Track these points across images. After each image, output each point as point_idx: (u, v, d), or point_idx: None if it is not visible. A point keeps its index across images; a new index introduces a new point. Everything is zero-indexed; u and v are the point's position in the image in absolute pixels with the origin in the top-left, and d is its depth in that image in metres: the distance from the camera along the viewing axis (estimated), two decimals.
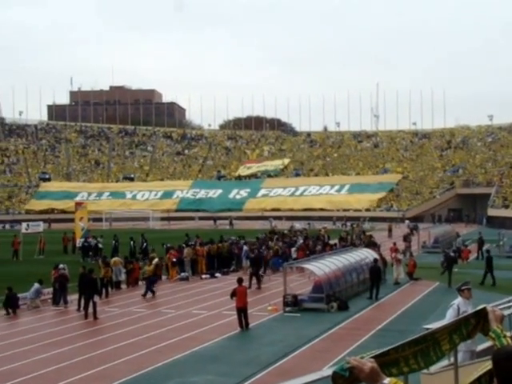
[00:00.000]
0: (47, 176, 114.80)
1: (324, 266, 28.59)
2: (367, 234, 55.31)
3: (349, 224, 73.00)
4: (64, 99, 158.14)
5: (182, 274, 36.83)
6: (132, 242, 45.85)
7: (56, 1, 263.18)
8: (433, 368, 10.55)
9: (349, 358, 3.46)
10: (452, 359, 8.84)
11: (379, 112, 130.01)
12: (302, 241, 46.79)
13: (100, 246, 46.48)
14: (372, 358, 3.51)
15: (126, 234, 50.07)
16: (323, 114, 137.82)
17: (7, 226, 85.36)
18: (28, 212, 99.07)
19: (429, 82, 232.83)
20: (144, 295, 30.23)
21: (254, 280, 33.14)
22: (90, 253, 46.00)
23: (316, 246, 45.21)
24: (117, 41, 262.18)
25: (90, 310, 25.24)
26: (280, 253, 41.55)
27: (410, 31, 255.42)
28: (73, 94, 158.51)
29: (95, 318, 25.04)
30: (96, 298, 25.82)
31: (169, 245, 41.67)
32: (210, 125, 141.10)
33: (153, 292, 30.62)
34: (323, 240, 48.45)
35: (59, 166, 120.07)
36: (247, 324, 22.73)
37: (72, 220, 57.81)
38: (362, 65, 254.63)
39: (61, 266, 29.72)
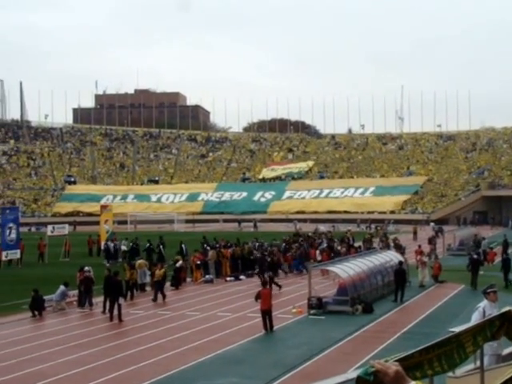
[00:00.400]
0: (72, 179, 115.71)
1: (349, 269, 28.49)
2: (392, 236, 55.07)
3: (373, 226, 72.72)
4: (89, 102, 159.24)
5: (207, 276, 36.86)
6: (149, 245, 46.21)
7: (81, 5, 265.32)
8: (458, 371, 10.49)
9: (373, 362, 3.43)
10: (478, 363, 8.78)
11: (404, 114, 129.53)
12: (326, 243, 46.68)
13: (124, 248, 46.77)
14: (396, 360, 3.48)
15: (150, 237, 50.23)
16: (348, 116, 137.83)
17: (33, 229, 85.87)
18: (54, 215, 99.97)
19: (454, 84, 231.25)
20: (154, 299, 29.86)
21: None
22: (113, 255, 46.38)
23: (341, 248, 45.10)
24: (142, 44, 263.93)
25: (115, 312, 25.36)
26: (297, 255, 41.32)
27: (434, 32, 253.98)
28: (98, 97, 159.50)
29: (120, 320, 25.16)
30: (121, 301, 25.94)
31: (183, 245, 43.11)
32: (230, 127, 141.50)
33: (163, 295, 30.29)
34: (348, 242, 48.30)
35: (84, 169, 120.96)
36: (272, 326, 22.71)
37: (97, 223, 58.14)
38: (386, 67, 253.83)
39: (86, 268, 29.86)
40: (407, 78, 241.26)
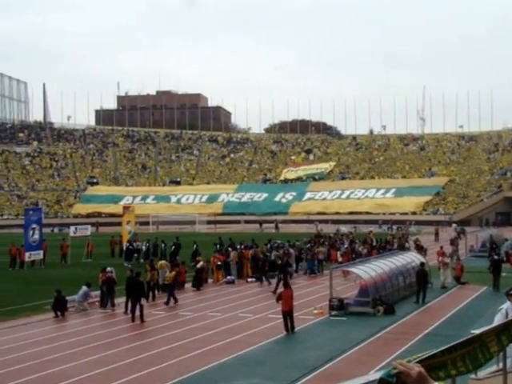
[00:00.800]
0: (95, 180, 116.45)
1: (370, 270, 28.42)
2: (414, 237, 54.85)
3: (395, 227, 72.46)
4: (111, 104, 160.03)
5: (228, 277, 36.91)
6: (163, 245, 46.46)
7: (104, 7, 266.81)
8: (481, 373, 10.44)
9: (395, 363, 3.42)
10: (501, 365, 8.74)
11: (425, 115, 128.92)
12: (347, 245, 46.59)
13: (144, 248, 47.13)
14: (419, 361, 3.46)
15: (171, 238, 50.44)
16: (369, 117, 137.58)
17: (56, 230, 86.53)
18: (76, 216, 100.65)
19: (476, 84, 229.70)
20: (166, 303, 29.39)
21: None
22: (135, 255, 46.62)
23: (363, 249, 45.01)
24: (163, 46, 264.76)
25: (137, 313, 25.47)
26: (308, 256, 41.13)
27: (456, 33, 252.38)
28: (120, 98, 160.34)
29: (142, 320, 25.27)
30: (143, 301, 26.06)
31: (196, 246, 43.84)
32: (250, 128, 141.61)
33: (175, 299, 29.84)
34: (371, 243, 48.16)
35: (107, 170, 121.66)
36: (293, 327, 22.71)
37: (119, 223, 58.40)
38: (407, 67, 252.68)
39: (108, 269, 30.02)
40: (429, 78, 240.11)
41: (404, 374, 3.36)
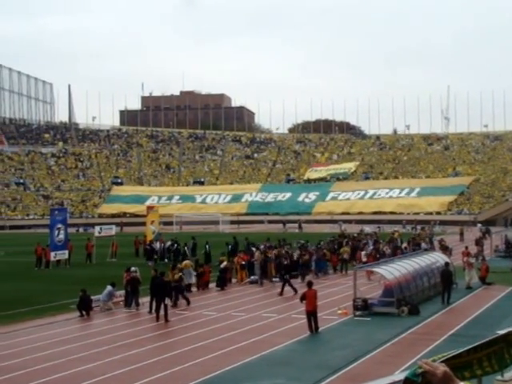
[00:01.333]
0: (119, 180, 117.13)
1: (394, 270, 28.27)
2: (439, 238, 54.53)
3: (419, 227, 72.11)
4: (135, 104, 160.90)
5: (252, 277, 36.91)
6: (176, 245, 46.76)
7: (127, 8, 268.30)
8: (507, 375, 10.36)
9: (420, 362, 3.40)
10: None
11: (450, 114, 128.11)
12: (372, 245, 46.41)
13: (158, 247, 47.50)
14: (444, 360, 3.44)
15: (196, 238, 50.64)
16: (393, 116, 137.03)
17: (81, 230, 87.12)
18: (100, 216, 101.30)
19: (501, 83, 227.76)
20: (174, 305, 28.68)
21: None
22: (155, 256, 46.84)
23: (387, 249, 44.82)
24: (187, 46, 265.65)
25: (162, 312, 25.58)
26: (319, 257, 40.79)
27: (481, 32, 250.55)
28: (144, 99, 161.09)
29: (166, 320, 25.37)
30: (167, 301, 26.16)
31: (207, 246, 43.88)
32: (277, 128, 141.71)
33: (187, 300, 29.36)
34: (396, 244, 47.89)
35: (131, 171, 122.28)
36: (317, 328, 22.67)
37: (143, 223, 58.65)
38: (431, 66, 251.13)
39: (133, 268, 30.17)
40: (453, 77, 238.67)
41: (429, 373, 3.34)
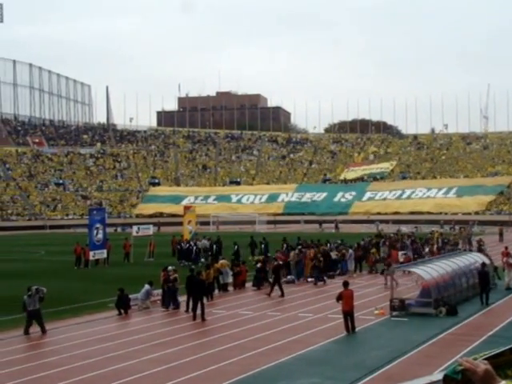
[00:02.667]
0: (156, 181, 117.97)
1: (432, 270, 28.04)
2: (477, 238, 53.95)
3: (457, 227, 71.39)
4: (172, 105, 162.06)
5: (288, 276, 36.89)
6: (194, 246, 47.06)
7: (163, 10, 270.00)
8: None
9: (461, 360, 3.30)
10: None
11: (489, 113, 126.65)
12: (409, 245, 46.09)
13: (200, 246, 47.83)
14: (485, 359, 3.32)
15: (232, 238, 50.83)
16: (430, 115, 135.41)
17: (119, 229, 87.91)
18: (137, 216, 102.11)
19: None
20: (175, 307, 28.12)
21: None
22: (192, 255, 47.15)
23: (424, 249, 44.50)
24: (223, 47, 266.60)
25: (198, 311, 25.70)
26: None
27: None
28: (181, 100, 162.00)
29: (203, 319, 25.48)
30: (204, 300, 26.28)
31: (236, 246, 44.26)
32: (315, 127, 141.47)
33: (177, 304, 28.37)
34: (436, 244, 47.51)
35: (168, 171, 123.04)
36: (354, 328, 22.59)
37: (180, 223, 58.95)
38: (470, 65, 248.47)
39: (170, 268, 30.38)
40: (492, 75, 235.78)
41: (470, 371, 3.24)
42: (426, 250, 43.82)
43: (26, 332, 23.14)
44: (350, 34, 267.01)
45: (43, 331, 23.26)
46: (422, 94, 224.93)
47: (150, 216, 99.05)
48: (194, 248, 46.92)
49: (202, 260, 44.84)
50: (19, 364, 19.08)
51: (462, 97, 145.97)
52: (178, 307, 28.33)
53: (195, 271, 27.85)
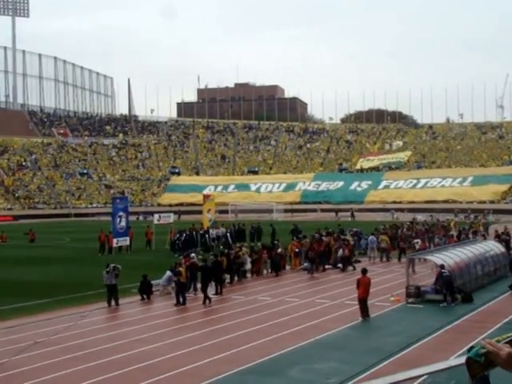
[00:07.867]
0: (177, 170, 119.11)
1: (447, 258, 28.41)
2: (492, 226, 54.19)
3: (472, 216, 71.56)
4: (192, 97, 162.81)
5: (305, 264, 37.36)
6: (205, 235, 47.92)
7: (184, 4, 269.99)
8: None
9: (484, 342, 3.28)
10: None
11: (505, 102, 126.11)
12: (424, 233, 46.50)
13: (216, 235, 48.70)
14: (508, 342, 3.27)
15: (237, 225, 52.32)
16: (445, 105, 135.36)
17: (141, 218, 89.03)
18: (159, 205, 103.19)
19: None
20: (176, 303, 26.73)
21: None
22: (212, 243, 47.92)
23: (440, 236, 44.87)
24: (241, 39, 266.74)
25: (210, 295, 26.79)
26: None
27: None
28: (200, 91, 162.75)
29: (219, 293, 26.88)
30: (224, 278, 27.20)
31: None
32: (331, 118, 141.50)
33: (184, 300, 26.87)
34: (450, 232, 47.91)
35: (188, 161, 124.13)
36: (367, 312, 23.05)
37: (200, 212, 59.45)
38: (484, 54, 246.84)
39: (192, 254, 31.16)
40: (508, 65, 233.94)
41: (493, 353, 3.19)
42: (442, 238, 44.12)
43: (109, 304, 26.22)
44: (366, 23, 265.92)
45: (117, 304, 26.30)
46: (438, 83, 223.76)
47: (171, 205, 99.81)
48: (206, 236, 47.66)
49: (221, 247, 45.47)
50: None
51: (477, 86, 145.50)
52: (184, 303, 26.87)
53: (208, 259, 28.45)
